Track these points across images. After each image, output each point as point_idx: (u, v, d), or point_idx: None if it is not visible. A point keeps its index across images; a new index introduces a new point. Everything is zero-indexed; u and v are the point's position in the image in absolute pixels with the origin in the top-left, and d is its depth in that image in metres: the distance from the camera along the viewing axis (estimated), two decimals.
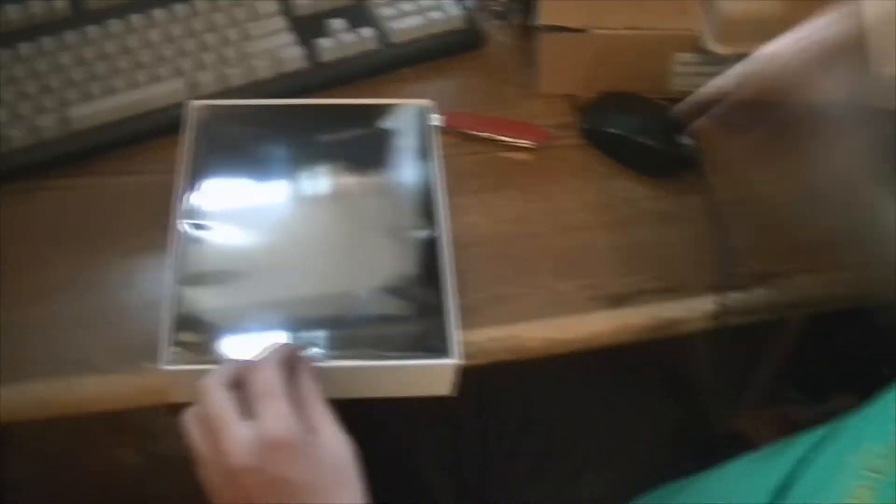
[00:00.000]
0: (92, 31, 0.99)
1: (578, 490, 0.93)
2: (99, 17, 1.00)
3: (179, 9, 1.01)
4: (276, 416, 0.67)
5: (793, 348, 1.11)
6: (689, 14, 1.01)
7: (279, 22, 1.03)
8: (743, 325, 0.94)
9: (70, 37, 0.98)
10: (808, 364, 0.83)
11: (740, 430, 0.93)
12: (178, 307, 0.81)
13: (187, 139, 0.91)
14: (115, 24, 0.99)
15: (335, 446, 0.69)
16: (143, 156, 0.96)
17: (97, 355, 0.83)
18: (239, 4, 1.02)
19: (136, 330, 0.84)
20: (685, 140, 0.99)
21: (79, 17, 1.00)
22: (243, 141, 0.92)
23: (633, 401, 1.00)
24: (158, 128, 0.96)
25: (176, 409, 0.76)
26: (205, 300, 0.82)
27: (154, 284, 0.87)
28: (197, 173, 0.89)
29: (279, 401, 0.68)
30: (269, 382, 0.69)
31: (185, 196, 0.88)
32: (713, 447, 0.87)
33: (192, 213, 0.87)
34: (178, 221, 0.86)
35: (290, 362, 0.72)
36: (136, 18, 1.00)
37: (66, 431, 1.51)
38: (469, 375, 0.84)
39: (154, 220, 0.91)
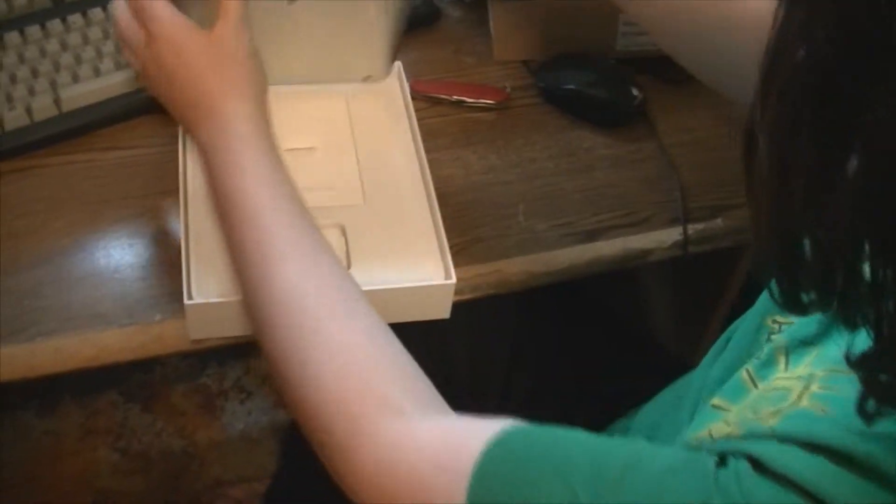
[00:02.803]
0: (74, 19, 1.04)
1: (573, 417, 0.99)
2: (78, 6, 1.05)
3: None
4: None
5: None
6: None
7: None
8: (703, 266, 1.02)
9: (54, 25, 1.03)
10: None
11: None
12: (196, 248, 0.87)
13: None
14: (96, 13, 1.04)
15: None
16: (132, 132, 1.01)
17: (111, 310, 0.88)
18: None
19: (145, 285, 0.90)
20: (634, 92, 1.07)
21: (59, 7, 1.05)
22: None
23: (607, 338, 1.07)
24: (145, 105, 1.01)
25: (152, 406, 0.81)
26: (218, 243, 0.88)
27: (156, 245, 0.93)
28: None
29: None
30: None
31: (185, 154, 0.94)
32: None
33: (194, 168, 0.93)
34: (184, 176, 0.92)
35: None
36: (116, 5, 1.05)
37: (40, 436, 1.54)
38: (460, 310, 0.91)
39: (148, 189, 0.97)
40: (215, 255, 0.87)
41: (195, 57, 0.82)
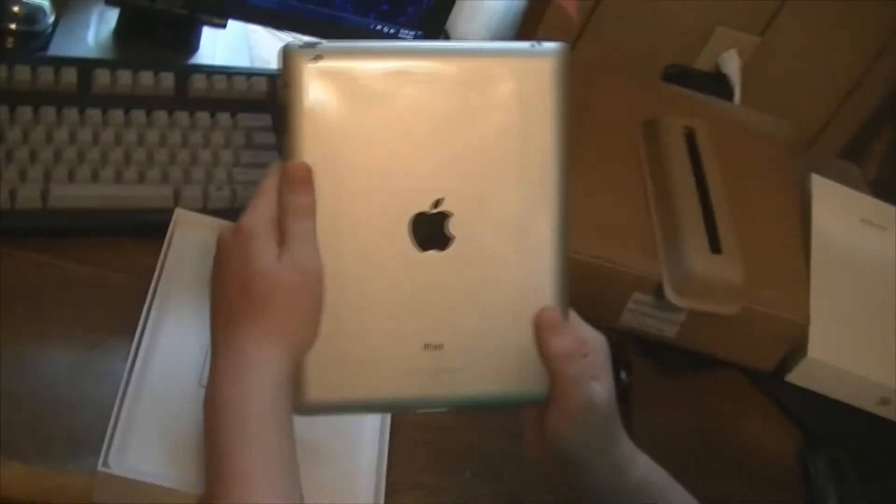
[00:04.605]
0: (92, 113, 0.99)
1: None
2: (102, 101, 1.00)
3: (180, 116, 1.02)
4: None
5: None
6: (653, 260, 1.07)
7: (271, 156, 1.04)
8: None
9: (70, 113, 0.98)
10: None
11: None
12: (127, 415, 0.82)
13: (167, 244, 0.92)
14: (116, 114, 1.00)
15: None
16: (112, 251, 0.96)
17: (24, 442, 0.82)
18: (237, 128, 1.04)
19: (66, 427, 0.84)
20: (621, 375, 1.04)
21: (83, 96, 1.00)
22: None
23: None
24: (134, 227, 0.97)
25: None
26: (154, 414, 0.83)
27: (97, 385, 0.87)
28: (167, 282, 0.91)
29: None
30: None
31: (152, 304, 0.89)
32: None
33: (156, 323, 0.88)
34: (143, 328, 0.87)
35: None
36: (136, 114, 1.01)
37: None
38: None
39: (110, 319, 0.91)
40: (145, 427, 0.82)
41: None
